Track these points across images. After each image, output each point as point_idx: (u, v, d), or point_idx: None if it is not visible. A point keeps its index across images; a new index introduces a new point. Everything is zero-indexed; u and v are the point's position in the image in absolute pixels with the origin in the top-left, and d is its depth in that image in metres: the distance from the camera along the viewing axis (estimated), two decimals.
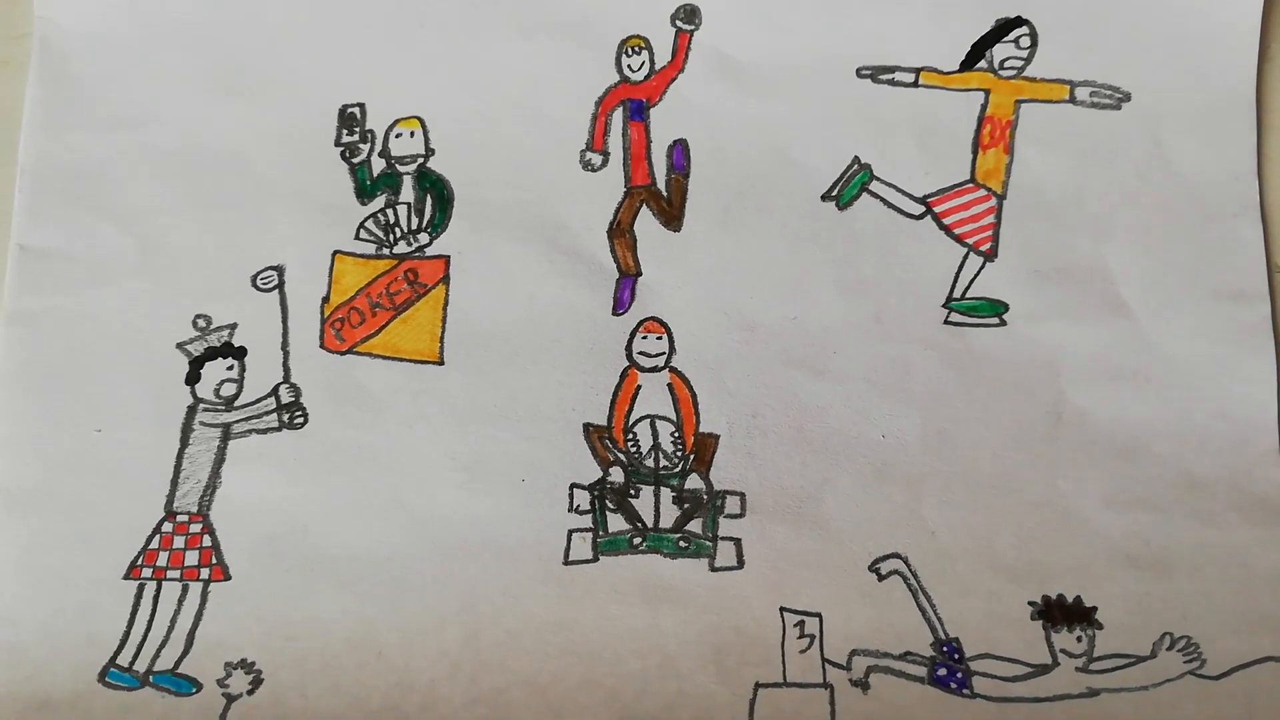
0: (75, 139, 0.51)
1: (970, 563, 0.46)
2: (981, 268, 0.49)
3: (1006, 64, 0.50)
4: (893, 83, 0.50)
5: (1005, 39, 0.50)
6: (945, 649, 0.45)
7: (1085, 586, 0.46)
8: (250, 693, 0.45)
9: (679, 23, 0.51)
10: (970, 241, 0.49)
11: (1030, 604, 0.46)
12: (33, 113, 0.51)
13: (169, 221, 0.50)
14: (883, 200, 0.50)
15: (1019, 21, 0.50)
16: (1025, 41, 0.50)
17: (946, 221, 0.50)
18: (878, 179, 0.50)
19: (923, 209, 0.50)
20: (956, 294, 0.49)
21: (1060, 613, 0.46)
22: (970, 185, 0.50)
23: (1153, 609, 0.45)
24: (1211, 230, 0.49)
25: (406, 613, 0.46)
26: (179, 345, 0.49)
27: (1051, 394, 0.48)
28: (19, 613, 0.46)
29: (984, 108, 0.50)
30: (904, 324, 0.49)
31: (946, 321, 0.49)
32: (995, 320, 0.49)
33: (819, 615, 0.46)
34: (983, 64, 0.50)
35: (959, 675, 0.45)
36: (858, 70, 0.51)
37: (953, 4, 0.51)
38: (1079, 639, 0.45)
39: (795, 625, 0.45)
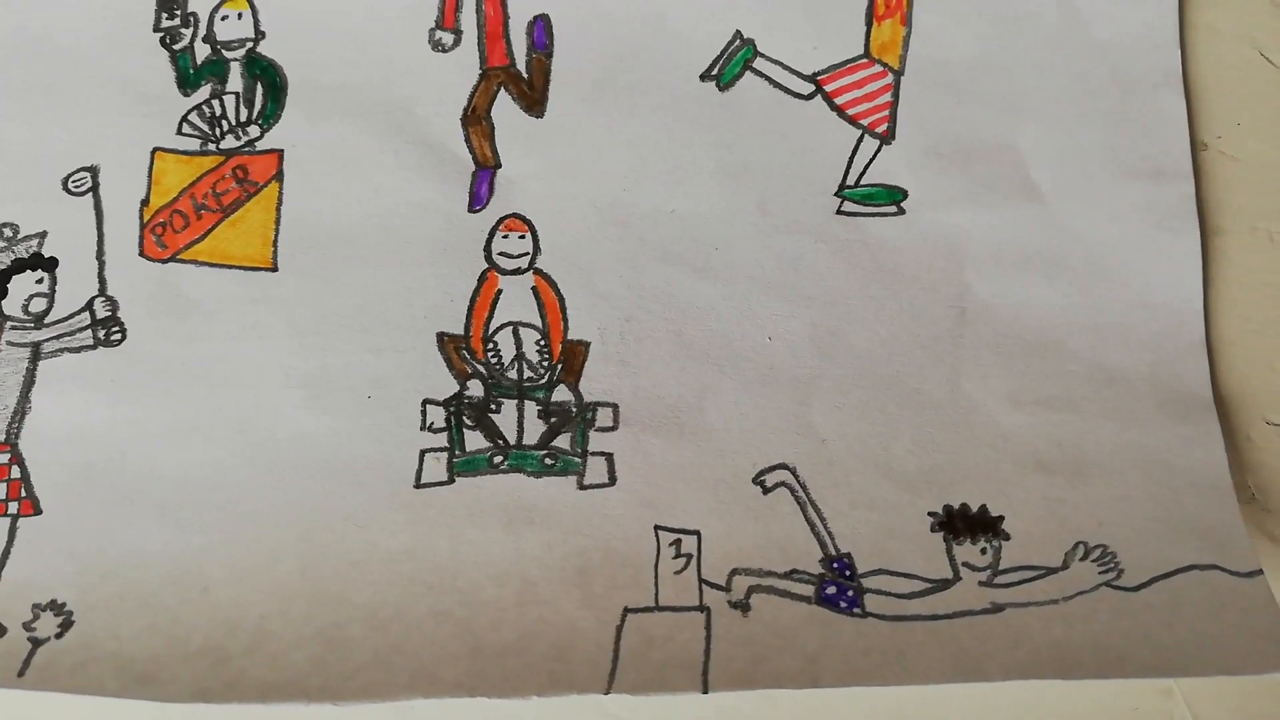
0: None
1: (865, 472, 0.42)
2: (878, 151, 0.45)
3: None
4: None
5: None
6: (835, 565, 0.41)
7: (990, 494, 0.42)
8: (59, 636, 0.40)
9: None
10: (865, 122, 0.46)
11: (930, 515, 0.42)
12: None
13: None
14: (768, 79, 0.46)
15: None
16: None
17: (839, 101, 0.46)
18: (762, 55, 0.46)
19: (812, 88, 0.46)
20: (850, 180, 0.45)
21: (963, 523, 0.42)
22: (864, 60, 0.46)
23: (1064, 517, 0.42)
24: (1130, 103, 0.45)
25: (237, 544, 0.41)
26: None
27: (955, 286, 0.44)
28: None
29: None
30: (793, 214, 0.45)
31: (839, 211, 0.45)
32: (893, 208, 0.45)
33: (697, 533, 0.41)
34: None
35: (849, 593, 0.40)
36: None
37: None
38: (983, 551, 0.41)
39: (670, 544, 0.41)
